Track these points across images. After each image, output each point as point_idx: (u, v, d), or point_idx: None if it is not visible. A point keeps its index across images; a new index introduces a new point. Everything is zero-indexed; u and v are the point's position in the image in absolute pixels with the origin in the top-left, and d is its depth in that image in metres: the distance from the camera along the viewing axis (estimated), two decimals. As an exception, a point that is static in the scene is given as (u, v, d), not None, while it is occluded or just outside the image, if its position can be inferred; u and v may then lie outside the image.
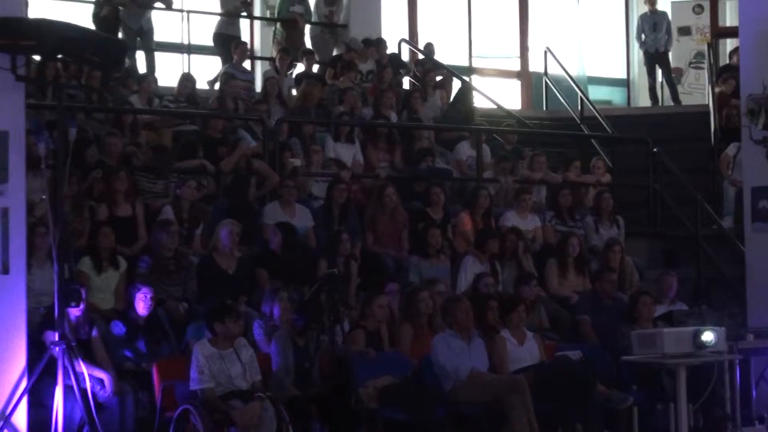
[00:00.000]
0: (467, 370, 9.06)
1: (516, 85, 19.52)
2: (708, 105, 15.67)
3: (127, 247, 9.88)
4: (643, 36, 17.60)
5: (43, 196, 8.80)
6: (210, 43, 15.55)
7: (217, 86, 14.26)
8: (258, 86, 14.87)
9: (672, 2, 19.08)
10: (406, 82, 16.11)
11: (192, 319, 9.18)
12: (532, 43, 19.40)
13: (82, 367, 7.50)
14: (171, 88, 13.54)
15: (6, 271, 7.16)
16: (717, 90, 15.26)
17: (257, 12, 16.94)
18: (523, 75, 19.49)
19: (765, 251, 10.65)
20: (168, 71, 15.22)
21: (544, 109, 17.68)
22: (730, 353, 9.21)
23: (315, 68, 15.42)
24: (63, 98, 7.93)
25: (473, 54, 19.14)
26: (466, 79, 16.57)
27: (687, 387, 8.90)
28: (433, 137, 13.83)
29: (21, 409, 6.99)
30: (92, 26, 13.61)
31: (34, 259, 8.62)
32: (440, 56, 16.73)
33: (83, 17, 14.19)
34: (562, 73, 17.01)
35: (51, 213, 7.34)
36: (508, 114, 15.98)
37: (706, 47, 17.94)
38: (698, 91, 18.77)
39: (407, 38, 17.57)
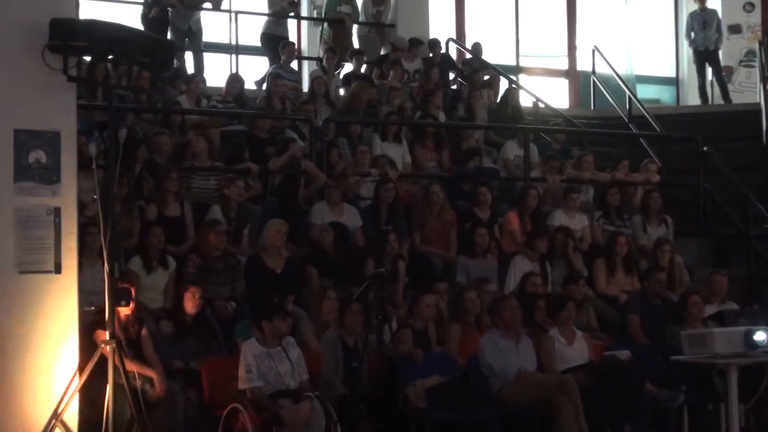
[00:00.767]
0: (515, 369, 9.04)
1: (563, 84, 19.43)
2: (759, 103, 15.53)
3: (176, 246, 9.94)
4: (692, 34, 17.45)
5: (94, 196, 8.87)
6: (257, 43, 15.60)
7: (264, 86, 14.31)
8: (305, 86, 14.89)
9: (722, 0, 18.90)
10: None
11: (240, 319, 9.22)
12: (580, 42, 19.30)
13: (132, 366, 7.55)
14: (219, 89, 13.61)
15: (59, 271, 7.21)
16: (768, 88, 15.13)
17: (304, 12, 16.97)
18: (571, 74, 19.40)
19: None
20: (216, 72, 15.29)
21: (592, 108, 17.58)
22: (783, 353, 9.12)
23: (363, 68, 15.43)
24: (113, 99, 7.99)
25: (521, 53, 19.07)
26: (514, 78, 16.53)
27: (738, 387, 8.82)
28: (481, 137, 13.81)
29: (72, 407, 7.04)
30: (141, 27, 13.70)
31: (85, 258, 8.68)
32: (488, 55, 16.69)
33: (132, 18, 14.30)
34: (610, 71, 16.90)
35: (101, 213, 7.38)
36: (556, 113, 15.91)
37: (757, 45, 17.75)
38: (749, 89, 18.56)
39: (455, 38, 17.54)
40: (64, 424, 6.98)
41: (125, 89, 10.36)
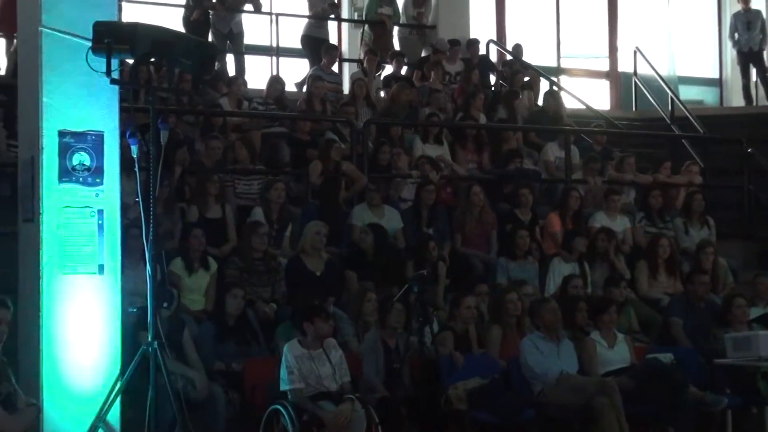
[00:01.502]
0: (556, 372, 9.00)
1: (605, 85, 19.33)
2: (805, 104, 15.40)
3: (217, 248, 9.97)
4: (736, 35, 17.30)
5: (136, 198, 8.90)
6: (298, 45, 15.63)
7: (304, 88, 14.33)
8: (346, 88, 14.91)
9: (766, 0, 18.72)
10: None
11: (281, 320, 9.23)
12: (622, 43, 19.19)
13: (174, 367, 7.58)
14: (260, 91, 13.64)
15: (102, 272, 7.25)
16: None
17: (345, 14, 16.98)
18: (612, 75, 19.29)
19: None
20: (257, 74, 15.33)
21: (634, 109, 17.48)
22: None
23: (403, 70, 15.42)
24: (155, 101, 8.01)
25: (561, 54, 18.99)
26: (554, 79, 16.46)
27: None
28: (521, 138, 13.77)
29: (115, 408, 7.07)
30: (182, 30, 13.76)
31: (127, 260, 8.71)
32: (528, 57, 16.63)
33: (174, 21, 14.36)
34: (652, 73, 16.80)
35: (143, 215, 7.42)
36: (597, 114, 15.82)
37: (802, 46, 17.58)
38: (795, 90, 18.38)
39: (495, 39, 17.50)
40: (107, 425, 7.00)
41: (167, 91, 10.45)
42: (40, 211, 7.15)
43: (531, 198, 11.59)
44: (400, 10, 16.37)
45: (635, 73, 17.23)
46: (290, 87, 14.50)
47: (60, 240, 7.15)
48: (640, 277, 11.13)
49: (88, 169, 7.30)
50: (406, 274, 9.94)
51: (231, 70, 14.70)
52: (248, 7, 15.18)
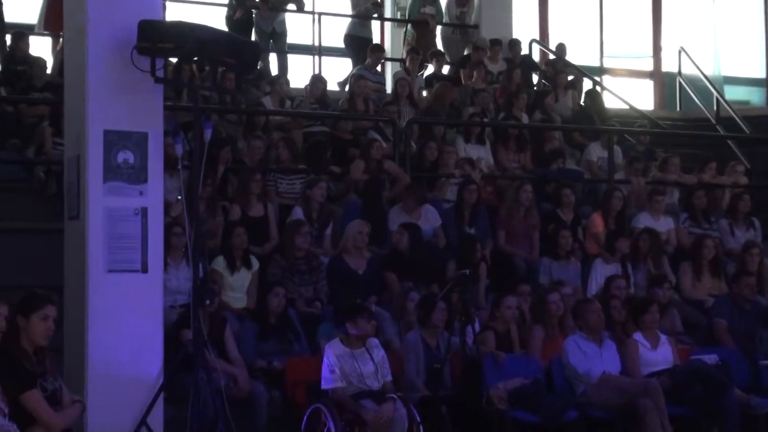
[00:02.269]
0: (598, 372, 8.95)
1: (648, 85, 19.21)
2: None
3: (259, 246, 10.00)
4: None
5: (179, 197, 8.95)
6: (341, 44, 15.64)
7: (347, 87, 14.34)
8: (388, 87, 14.91)
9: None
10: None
11: (323, 319, 9.25)
12: (666, 43, 19.07)
13: (216, 365, 7.60)
14: (302, 90, 13.67)
15: (145, 270, 7.28)
16: None
17: (388, 13, 16.98)
18: (656, 75, 19.17)
19: None
20: (300, 73, 15.37)
21: (678, 109, 17.36)
22: None
23: (445, 69, 15.40)
24: (199, 100, 8.04)
25: (605, 54, 18.90)
26: (597, 79, 16.38)
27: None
28: (563, 138, 13.72)
29: (158, 405, 7.10)
30: (226, 29, 13.81)
31: (170, 258, 8.79)
32: (571, 56, 16.57)
33: (217, 20, 14.42)
34: (697, 72, 16.68)
35: (186, 213, 7.45)
36: (641, 114, 15.73)
37: None
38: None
39: (538, 38, 17.44)
40: (149, 423, 7.03)
41: (210, 90, 10.49)
42: (86, 209, 7.19)
43: (573, 198, 11.55)
44: (443, 10, 16.35)
45: (680, 72, 17.12)
46: (332, 86, 14.51)
47: (104, 238, 7.18)
48: (684, 278, 11.05)
49: (133, 167, 7.32)
50: (446, 274, 9.92)
51: (274, 69, 14.74)
52: (291, 6, 15.21)
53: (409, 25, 16.10)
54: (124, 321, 7.16)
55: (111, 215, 7.23)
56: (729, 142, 14.69)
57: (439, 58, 15.26)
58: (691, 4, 19.52)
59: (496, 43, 15.64)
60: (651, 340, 9.44)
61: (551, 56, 16.63)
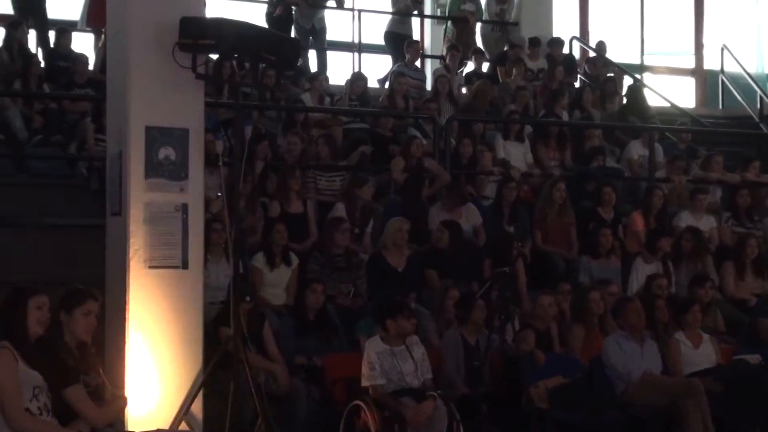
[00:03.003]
0: (640, 372, 8.89)
1: (690, 82, 19.06)
2: None
3: (298, 243, 10.00)
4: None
5: (218, 193, 8.97)
6: (381, 41, 15.63)
7: (387, 84, 14.33)
8: (428, 84, 14.89)
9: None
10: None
11: (362, 316, 9.24)
12: (708, 40, 18.91)
13: (256, 361, 7.61)
14: (342, 87, 13.66)
15: (185, 266, 7.29)
16: None
17: (428, 10, 16.96)
18: (698, 72, 19.03)
19: None
20: (339, 70, 15.39)
21: (720, 107, 17.21)
22: None
23: (485, 67, 15.35)
24: (239, 97, 8.05)
25: (645, 51, 18.78)
26: (638, 77, 16.28)
27: None
28: (602, 136, 13.64)
29: (197, 401, 7.12)
30: (265, 26, 13.84)
31: (209, 254, 8.80)
32: (612, 54, 16.47)
33: (257, 17, 14.46)
34: (740, 70, 16.53)
35: (227, 209, 7.45)
36: (682, 112, 15.61)
37: None
38: None
39: (578, 36, 17.35)
40: (190, 418, 7.05)
41: (250, 87, 10.51)
42: (127, 205, 7.21)
43: (614, 196, 11.47)
44: (483, 7, 16.30)
45: (722, 70, 16.97)
46: (372, 83, 14.51)
47: (145, 234, 7.20)
48: (727, 277, 10.95)
49: (174, 163, 7.32)
50: (484, 272, 9.88)
51: (313, 66, 14.74)
52: (331, 3, 15.23)
53: (449, 22, 16.08)
54: (164, 317, 7.17)
55: (152, 211, 7.24)
56: (772, 140, 14.56)
57: (479, 55, 15.21)
58: (733, 1, 19.34)
59: (535, 40, 15.57)
60: (693, 339, 9.37)
61: (591, 53, 16.53)
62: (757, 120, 15.44)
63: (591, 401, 8.49)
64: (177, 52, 7.17)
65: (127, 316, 7.10)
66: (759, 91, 15.74)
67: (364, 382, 8.10)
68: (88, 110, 11.38)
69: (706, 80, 18.74)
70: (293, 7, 14.73)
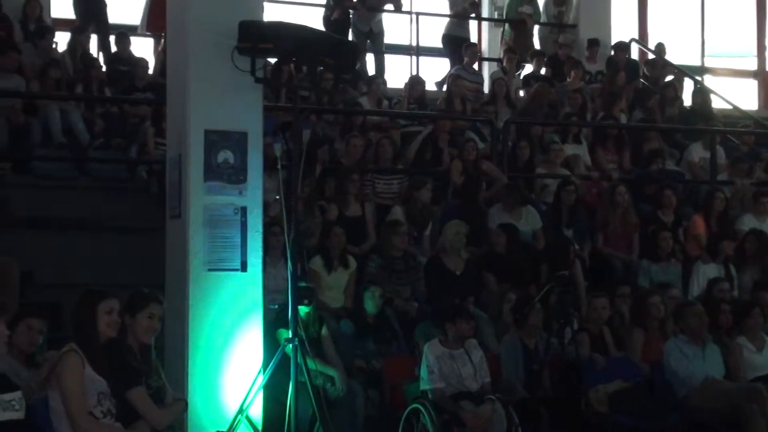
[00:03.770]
0: (701, 376, 8.80)
1: (752, 84, 18.83)
2: None
3: (356, 246, 10.01)
4: None
5: (276, 196, 8.99)
6: (438, 44, 15.61)
7: (444, 87, 14.30)
8: (486, 87, 14.84)
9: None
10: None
11: (421, 319, 9.22)
12: (771, 41, 18.69)
13: (314, 365, 7.62)
14: (399, 90, 13.66)
15: (244, 269, 7.33)
16: None
17: (485, 13, 16.89)
18: (761, 74, 18.78)
19: None
20: (397, 73, 15.37)
21: (784, 109, 17.01)
22: None
23: (543, 69, 15.28)
24: (297, 100, 8.06)
25: (706, 53, 18.57)
26: (698, 78, 16.11)
27: None
28: (662, 138, 13.52)
29: (257, 404, 7.15)
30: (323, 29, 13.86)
31: (268, 257, 8.82)
32: (671, 56, 16.31)
33: (314, 20, 14.48)
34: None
35: (285, 212, 7.47)
36: (744, 115, 15.42)
37: None
38: None
39: (637, 38, 17.21)
40: (249, 421, 7.08)
41: (308, 90, 10.53)
42: (187, 209, 7.25)
43: (675, 199, 11.36)
44: (541, 9, 16.22)
45: (786, 72, 16.74)
46: (430, 86, 14.49)
47: (205, 237, 7.24)
48: (792, 280, 10.80)
49: (233, 167, 7.37)
50: (541, 275, 9.82)
51: (371, 70, 14.75)
52: (389, 6, 15.22)
53: (507, 25, 16.01)
54: (224, 319, 7.22)
55: (211, 214, 7.29)
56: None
57: (538, 57, 15.14)
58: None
59: (594, 42, 15.47)
60: (756, 343, 9.26)
61: (651, 56, 16.38)
62: (823, 122, 15.21)
63: (652, 406, 8.42)
64: (236, 55, 7.21)
65: (186, 319, 7.15)
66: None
67: (423, 386, 8.09)
68: (148, 114, 11.48)
69: (770, 82, 18.51)
70: (351, 11, 14.74)
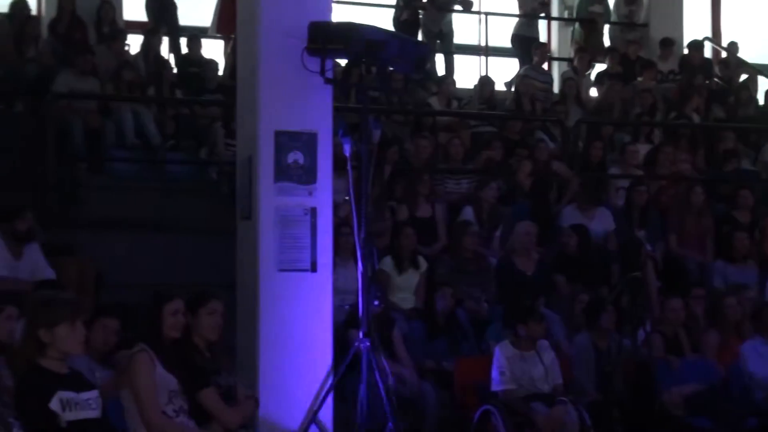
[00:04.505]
0: (779, 379, 8.66)
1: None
2: None
3: (427, 247, 9.97)
4: None
5: (346, 197, 8.99)
6: (507, 44, 15.53)
7: (513, 87, 14.23)
8: (556, 87, 14.74)
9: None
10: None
11: (492, 320, 9.17)
12: None
13: (385, 365, 7.60)
14: (469, 90, 13.60)
15: (314, 269, 7.33)
16: None
17: (555, 12, 16.78)
18: (840, 70, 18.43)
19: None
20: (466, 73, 15.32)
21: None
22: None
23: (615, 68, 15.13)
24: (367, 101, 8.05)
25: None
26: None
27: None
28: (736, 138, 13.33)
29: (327, 404, 7.14)
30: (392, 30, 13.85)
31: (338, 258, 8.81)
32: (745, 54, 16.07)
33: (384, 21, 14.46)
34: None
35: (355, 213, 7.47)
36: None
37: None
38: None
39: (710, 36, 16.98)
40: (319, 421, 7.07)
41: (378, 91, 10.52)
42: (257, 209, 7.27)
43: (751, 200, 11.18)
44: (611, 8, 16.07)
45: None
46: (499, 86, 14.42)
47: (275, 237, 7.25)
48: None
49: (303, 167, 7.37)
50: (612, 276, 9.72)
51: (440, 70, 14.72)
52: (458, 6, 15.17)
53: (577, 24, 15.89)
54: (294, 320, 7.22)
55: (281, 215, 7.30)
56: None
57: (612, 55, 14.98)
58: None
59: (667, 41, 15.29)
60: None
61: (724, 54, 16.16)
62: None
63: (729, 409, 8.32)
64: (306, 56, 7.21)
65: (257, 319, 7.16)
66: None
67: (494, 387, 8.06)
68: (217, 115, 11.56)
69: None
70: (420, 11, 14.71)
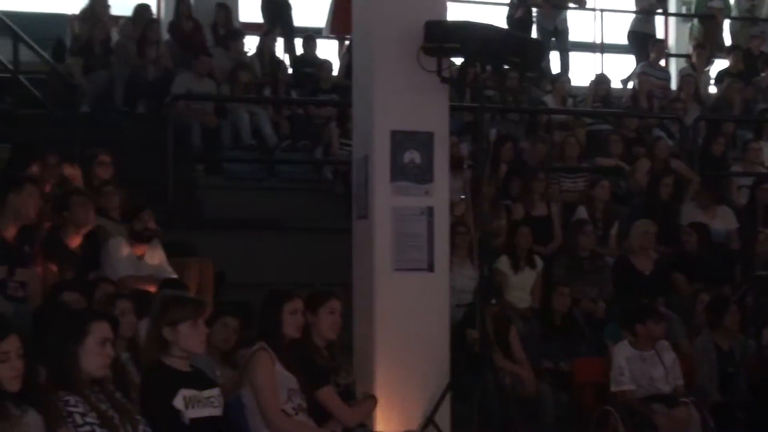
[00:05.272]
0: None
1: None
2: None
3: (542, 246, 9.90)
4: None
5: (462, 196, 8.97)
6: (622, 41, 15.34)
7: (630, 85, 14.05)
8: (673, 84, 14.51)
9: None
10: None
11: (609, 320, 9.06)
12: None
13: (502, 365, 7.56)
14: (584, 88, 13.47)
15: (431, 269, 7.31)
16: None
17: (672, 8, 16.54)
18: None
19: None
20: (581, 70, 15.18)
21: None
22: None
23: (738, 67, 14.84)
24: (483, 100, 8.01)
25: None
26: None
27: None
28: None
29: (445, 404, 7.12)
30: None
31: (454, 257, 8.78)
32: None
33: (497, 19, 14.41)
34: None
35: (471, 212, 7.43)
36: None
37: None
38: None
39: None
40: (437, 420, 7.06)
41: (493, 90, 10.47)
42: (373, 209, 7.29)
43: None
44: (732, 3, 15.76)
45: None
46: (615, 84, 14.26)
47: (391, 237, 7.25)
48: None
49: (419, 167, 7.35)
50: (735, 276, 9.52)
51: (555, 68, 14.60)
52: (573, 3, 15.04)
53: (696, 20, 15.62)
54: (411, 319, 7.21)
55: (398, 215, 7.29)
56: None
57: (735, 52, 14.68)
58: None
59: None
60: None
61: None
62: None
63: None
64: (422, 56, 7.19)
65: (374, 318, 7.18)
66: None
67: (613, 387, 7.95)
68: (333, 115, 11.63)
69: None
70: (534, 9, 14.61)
